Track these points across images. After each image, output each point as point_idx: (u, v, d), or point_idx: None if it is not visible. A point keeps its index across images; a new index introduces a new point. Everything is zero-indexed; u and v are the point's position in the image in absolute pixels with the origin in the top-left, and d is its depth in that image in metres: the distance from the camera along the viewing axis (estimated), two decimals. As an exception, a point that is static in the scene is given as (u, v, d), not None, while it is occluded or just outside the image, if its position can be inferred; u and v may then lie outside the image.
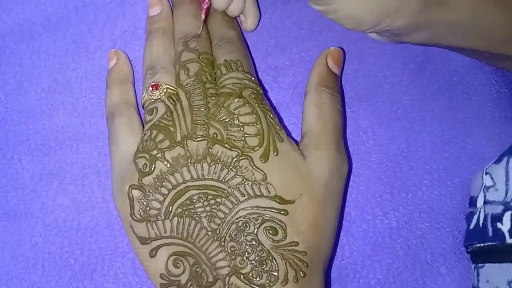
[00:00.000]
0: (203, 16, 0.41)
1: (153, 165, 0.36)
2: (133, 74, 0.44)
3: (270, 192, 0.35)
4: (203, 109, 0.38)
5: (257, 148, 0.36)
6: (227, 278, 0.35)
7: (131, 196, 0.37)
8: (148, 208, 0.36)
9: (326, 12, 0.40)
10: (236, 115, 0.37)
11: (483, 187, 0.40)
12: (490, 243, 0.37)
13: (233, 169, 0.36)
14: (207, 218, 0.35)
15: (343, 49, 0.44)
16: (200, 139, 0.36)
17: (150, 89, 0.40)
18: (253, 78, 0.39)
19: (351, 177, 0.43)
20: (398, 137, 0.44)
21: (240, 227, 0.35)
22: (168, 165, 0.36)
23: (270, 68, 0.45)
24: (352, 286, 0.41)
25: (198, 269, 0.35)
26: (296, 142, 0.39)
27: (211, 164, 0.36)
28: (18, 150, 0.43)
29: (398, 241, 0.42)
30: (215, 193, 0.36)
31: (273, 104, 0.44)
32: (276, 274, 0.34)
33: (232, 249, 0.35)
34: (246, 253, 0.35)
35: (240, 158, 0.36)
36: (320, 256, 0.36)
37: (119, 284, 0.41)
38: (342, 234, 0.42)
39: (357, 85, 0.45)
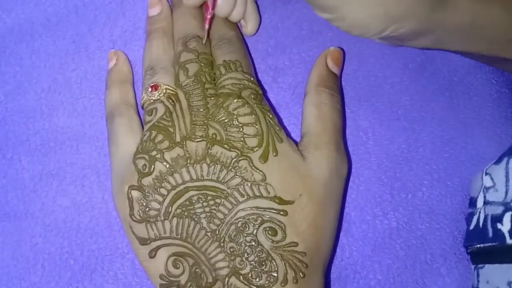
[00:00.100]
0: (207, 26, 0.41)
1: (153, 166, 0.36)
2: (133, 74, 0.44)
3: (269, 193, 0.35)
4: (202, 110, 0.38)
5: (256, 148, 0.36)
6: (227, 279, 0.35)
7: (130, 196, 0.37)
8: (147, 209, 0.36)
9: (332, 20, 0.40)
10: (235, 116, 0.37)
11: (483, 187, 0.40)
12: (490, 243, 0.37)
13: (232, 169, 0.36)
14: (206, 218, 0.35)
15: (343, 49, 0.44)
16: (199, 139, 0.36)
17: (150, 89, 0.39)
18: (252, 79, 0.39)
19: (351, 178, 0.43)
20: (398, 138, 0.44)
21: (239, 228, 0.35)
22: (168, 165, 0.36)
23: (270, 68, 0.45)
24: (352, 286, 0.41)
25: (197, 270, 0.35)
26: (296, 143, 0.39)
27: (211, 164, 0.36)
28: (18, 151, 0.43)
29: (398, 241, 0.42)
30: (214, 193, 0.36)
31: (273, 104, 0.44)
32: (276, 274, 0.34)
33: (231, 250, 0.35)
34: (246, 254, 0.35)
35: (240, 159, 0.36)
36: (319, 256, 0.36)
37: (119, 285, 0.41)
38: (342, 235, 0.42)
39: (357, 85, 0.45)
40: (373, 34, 0.40)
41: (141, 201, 0.36)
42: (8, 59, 0.45)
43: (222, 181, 0.36)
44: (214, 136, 0.37)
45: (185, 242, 0.36)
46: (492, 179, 0.39)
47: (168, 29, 0.43)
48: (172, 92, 0.39)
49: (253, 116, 0.37)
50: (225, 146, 0.36)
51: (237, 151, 0.36)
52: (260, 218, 0.35)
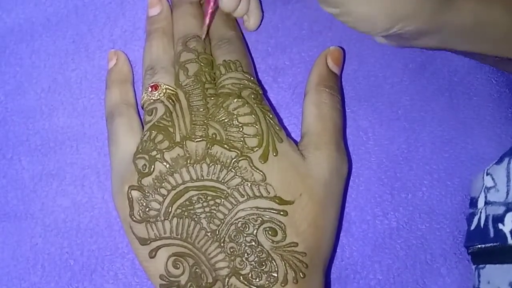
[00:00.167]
0: (207, 21, 0.41)
1: (153, 166, 0.36)
2: (133, 74, 0.44)
3: (269, 193, 0.35)
4: (202, 110, 0.38)
5: (256, 148, 0.36)
6: (227, 279, 0.35)
7: (130, 196, 0.37)
8: (147, 209, 0.36)
9: (339, 15, 0.40)
10: (235, 116, 0.37)
11: (483, 187, 0.39)
12: (492, 244, 0.37)
13: (232, 169, 0.36)
14: (206, 219, 0.35)
15: (343, 49, 0.44)
16: (199, 139, 0.36)
17: (150, 89, 0.39)
18: (252, 78, 0.39)
19: (351, 178, 0.43)
20: (398, 137, 0.44)
21: (239, 228, 0.35)
22: (168, 165, 0.36)
23: (270, 68, 0.45)
24: (352, 286, 0.41)
25: (197, 270, 0.35)
26: (296, 143, 0.39)
27: (210, 164, 0.36)
28: (18, 151, 0.43)
29: (398, 241, 0.42)
30: (214, 193, 0.36)
31: (273, 104, 0.44)
32: (276, 275, 0.34)
33: (231, 250, 0.35)
34: (246, 254, 0.35)
35: (240, 159, 0.36)
36: (320, 256, 0.36)
37: (119, 285, 0.41)
38: (342, 235, 0.42)
39: (357, 85, 0.45)
40: (380, 31, 0.40)
41: (141, 201, 0.36)
42: (8, 59, 0.45)
43: (222, 181, 0.36)
44: (214, 136, 0.37)
45: (185, 242, 0.36)
46: (493, 179, 0.39)
47: (168, 29, 0.43)
48: (172, 92, 0.39)
49: (253, 116, 0.37)
50: (225, 146, 0.36)
51: (237, 151, 0.36)
52: (260, 218, 0.35)
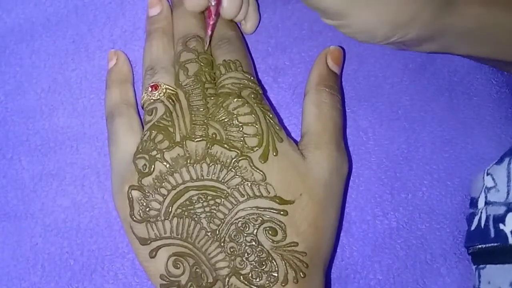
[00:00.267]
0: (209, 32, 0.41)
1: (153, 166, 0.36)
2: (133, 74, 0.44)
3: (269, 193, 0.35)
4: (202, 109, 0.38)
5: (256, 148, 0.36)
6: (227, 279, 0.35)
7: (130, 196, 0.37)
8: (147, 209, 0.36)
9: (339, 26, 0.40)
10: (235, 115, 0.37)
11: (484, 188, 0.39)
12: (492, 244, 0.37)
13: (232, 169, 0.36)
14: (206, 218, 0.35)
15: (343, 49, 0.44)
16: (199, 139, 0.36)
17: (150, 89, 0.39)
18: (252, 78, 0.39)
19: (351, 178, 0.43)
20: (398, 137, 0.44)
21: (239, 228, 0.35)
22: (168, 165, 0.36)
23: (270, 68, 0.45)
24: (352, 286, 0.41)
25: (198, 270, 0.35)
26: (296, 143, 0.39)
27: (211, 164, 0.36)
28: (18, 151, 0.43)
29: (398, 241, 0.42)
30: (214, 193, 0.36)
31: (273, 104, 0.44)
32: (276, 274, 0.34)
33: (231, 250, 0.35)
34: (246, 254, 0.35)
35: (240, 159, 0.36)
36: (320, 256, 0.36)
37: (119, 285, 0.41)
38: (342, 235, 0.42)
39: (357, 85, 0.45)
40: (379, 40, 0.40)
41: (141, 201, 0.36)
42: (8, 59, 0.45)
43: (222, 181, 0.36)
44: (214, 135, 0.37)
45: (185, 242, 0.36)
46: (493, 179, 0.39)
47: (168, 29, 0.43)
48: (172, 92, 0.39)
49: (253, 115, 0.37)
50: (225, 145, 0.36)
51: (237, 150, 0.36)
52: (260, 218, 0.35)
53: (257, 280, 0.34)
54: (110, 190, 0.39)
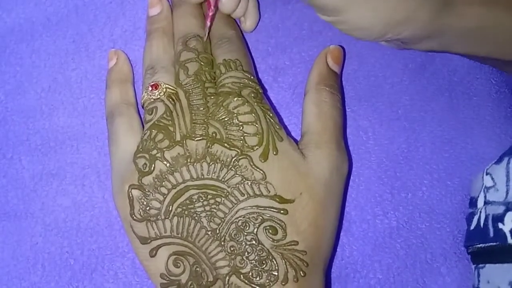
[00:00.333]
0: (208, 23, 0.41)
1: (153, 165, 0.36)
2: (133, 74, 0.44)
3: (269, 192, 0.35)
4: (202, 109, 0.38)
5: (256, 147, 0.36)
6: (227, 278, 0.35)
7: (131, 196, 0.37)
8: (148, 208, 0.36)
9: (335, 23, 0.40)
10: (235, 114, 0.37)
11: (483, 187, 0.39)
12: (491, 243, 0.37)
13: (232, 168, 0.36)
14: (207, 217, 0.35)
15: (343, 48, 0.44)
16: (200, 138, 0.36)
17: (150, 88, 0.40)
18: (252, 77, 0.39)
19: (351, 177, 0.43)
20: (398, 137, 0.44)
21: (239, 227, 0.35)
22: (168, 164, 0.36)
23: (270, 68, 0.45)
24: (352, 286, 0.41)
25: (198, 269, 0.35)
26: (296, 142, 0.39)
27: (211, 163, 0.36)
28: (18, 150, 0.43)
29: (398, 241, 0.42)
30: (214, 192, 0.36)
31: (273, 104, 0.44)
32: (276, 273, 0.34)
33: (232, 249, 0.35)
34: (246, 253, 0.35)
35: (240, 158, 0.36)
36: (320, 255, 0.36)
37: (119, 284, 0.41)
38: (342, 234, 0.42)
39: (357, 85, 0.45)
40: (375, 37, 0.40)
41: (142, 200, 0.36)
42: (8, 59, 0.45)
43: (222, 180, 0.36)
44: (214, 135, 0.37)
45: (185, 241, 0.36)
46: (492, 179, 0.39)
47: (168, 29, 0.43)
48: (172, 91, 0.39)
49: (253, 114, 0.37)
50: (225, 145, 0.36)
51: (237, 149, 0.36)
52: (261, 217, 0.35)
53: (257, 279, 0.34)
54: (110, 190, 0.39)
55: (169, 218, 0.36)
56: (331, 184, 0.38)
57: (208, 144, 0.36)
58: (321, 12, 0.40)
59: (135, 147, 0.38)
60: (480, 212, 0.39)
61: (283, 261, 0.34)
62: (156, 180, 0.36)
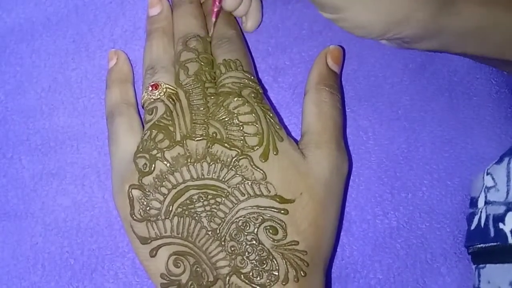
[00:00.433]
0: (213, 20, 0.41)
1: (153, 165, 0.36)
2: (133, 74, 0.44)
3: (270, 192, 0.35)
4: (202, 109, 0.38)
5: (256, 147, 0.36)
6: (228, 278, 0.35)
7: (131, 196, 0.37)
8: (148, 208, 0.36)
9: (336, 20, 0.40)
10: (235, 114, 0.37)
11: (484, 187, 0.39)
12: (492, 243, 0.37)
13: (232, 168, 0.36)
14: (207, 217, 0.35)
15: (343, 48, 0.44)
16: (200, 138, 0.36)
17: (150, 88, 0.40)
18: (252, 77, 0.39)
19: (351, 177, 0.43)
20: (398, 137, 0.44)
21: (240, 227, 0.35)
22: (168, 164, 0.36)
23: (270, 68, 0.45)
24: (353, 286, 0.41)
25: (198, 269, 0.35)
26: (296, 142, 0.39)
27: (211, 163, 0.36)
28: (18, 150, 0.43)
29: (398, 241, 0.42)
30: (215, 192, 0.36)
31: (273, 104, 0.44)
32: (277, 273, 0.34)
33: (232, 249, 0.35)
34: (247, 253, 0.35)
35: (240, 158, 0.36)
36: (320, 255, 0.36)
37: (119, 284, 0.41)
38: (342, 234, 0.42)
39: (357, 85, 0.45)
40: (376, 36, 0.40)
41: (142, 200, 0.36)
42: (8, 59, 0.45)
43: (223, 180, 0.36)
44: (214, 135, 0.37)
45: (186, 241, 0.36)
46: (493, 179, 0.39)
47: (168, 29, 0.43)
48: (173, 91, 0.39)
49: (253, 115, 0.37)
50: (226, 145, 0.36)
51: (237, 150, 0.36)
52: (261, 217, 0.35)
53: (258, 279, 0.34)
54: (111, 190, 0.39)
55: (169, 218, 0.36)
56: (331, 184, 0.38)
57: (209, 144, 0.36)
58: (323, 10, 0.40)
59: (135, 147, 0.38)
60: (481, 212, 0.39)
61: (284, 261, 0.34)
62: (156, 180, 0.36)
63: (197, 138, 0.37)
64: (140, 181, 0.37)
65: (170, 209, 0.36)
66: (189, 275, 0.35)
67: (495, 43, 0.41)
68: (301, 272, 0.34)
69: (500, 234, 0.36)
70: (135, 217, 0.36)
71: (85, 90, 0.44)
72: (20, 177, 0.42)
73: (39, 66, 0.44)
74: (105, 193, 0.42)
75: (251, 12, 0.43)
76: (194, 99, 0.38)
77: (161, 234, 0.36)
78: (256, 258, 0.34)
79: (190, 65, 0.40)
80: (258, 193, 0.35)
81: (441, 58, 0.46)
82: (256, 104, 0.38)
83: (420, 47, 0.42)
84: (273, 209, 0.35)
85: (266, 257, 0.34)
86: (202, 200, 0.36)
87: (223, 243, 0.35)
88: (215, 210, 0.36)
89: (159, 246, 0.36)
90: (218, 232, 0.35)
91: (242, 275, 0.34)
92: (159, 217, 0.36)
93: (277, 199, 0.35)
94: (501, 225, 0.36)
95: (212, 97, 0.38)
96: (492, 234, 0.37)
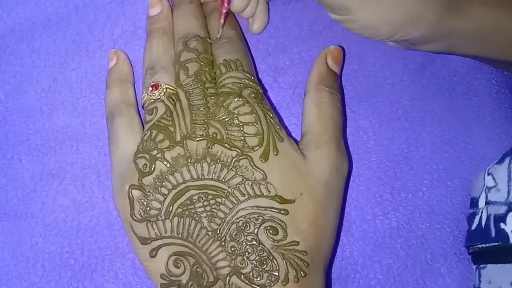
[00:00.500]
0: (222, 21, 0.41)
1: (153, 165, 0.36)
2: (133, 74, 0.44)
3: (270, 192, 0.35)
4: (202, 109, 0.38)
5: (257, 147, 0.36)
6: (228, 278, 0.35)
7: (131, 196, 0.37)
8: (148, 208, 0.36)
9: (343, 21, 0.40)
10: (235, 115, 0.37)
11: (484, 187, 0.39)
12: (493, 243, 0.37)
13: (233, 168, 0.36)
14: (207, 218, 0.35)
15: (343, 48, 0.44)
16: (200, 138, 0.36)
17: (150, 89, 0.40)
18: (252, 78, 0.39)
19: (351, 177, 0.43)
20: (398, 137, 0.44)
21: (240, 227, 0.35)
22: (168, 165, 0.36)
23: (271, 68, 0.45)
24: (353, 286, 0.41)
25: (198, 269, 0.35)
26: (296, 142, 0.39)
27: (211, 164, 0.36)
28: (18, 150, 0.43)
29: (398, 241, 0.42)
30: (215, 193, 0.36)
31: (273, 104, 0.44)
32: (277, 273, 0.34)
33: (232, 249, 0.35)
34: (247, 253, 0.35)
35: (240, 158, 0.36)
36: (320, 255, 0.36)
37: (119, 284, 0.41)
38: (342, 234, 0.42)
39: (357, 85, 0.45)
40: (383, 37, 0.40)
41: (142, 200, 0.36)
42: (8, 59, 0.45)
43: (223, 180, 0.36)
44: (214, 135, 0.37)
45: (186, 242, 0.36)
46: (494, 179, 0.39)
47: (168, 29, 0.43)
48: (173, 92, 0.39)
49: (253, 115, 0.37)
50: (226, 145, 0.36)
51: (237, 150, 0.36)
52: (261, 217, 0.35)
53: (258, 279, 0.34)
54: (111, 190, 0.39)
55: (170, 219, 0.36)
56: (331, 184, 0.38)
57: (209, 145, 0.36)
58: (331, 11, 0.40)
59: (135, 147, 0.38)
60: (482, 212, 0.39)
61: (284, 261, 0.34)
62: (156, 180, 0.36)
63: (197, 139, 0.37)
64: (140, 182, 0.37)
65: (170, 209, 0.36)
66: (189, 275, 0.35)
67: (499, 45, 0.41)
68: (301, 272, 0.34)
69: (501, 234, 0.36)
70: (135, 218, 0.36)
71: (85, 90, 0.44)
72: (20, 177, 0.42)
73: (39, 66, 0.44)
74: (105, 193, 0.42)
75: (257, 14, 0.43)
76: (194, 99, 0.38)
77: (161, 234, 0.36)
78: (256, 258, 0.34)
79: (190, 65, 0.40)
80: (258, 193, 0.35)
81: (441, 58, 0.46)
82: (256, 104, 0.38)
83: (426, 49, 0.42)
84: (273, 210, 0.35)
85: (266, 257, 0.34)
86: (202, 201, 0.36)
87: (223, 243, 0.35)
88: (215, 211, 0.36)
89: (159, 247, 0.36)
90: (218, 232, 0.35)
91: (242, 276, 0.34)
92: (159, 217, 0.36)
93: (277, 200, 0.35)
94: (502, 225, 0.36)
95: (212, 97, 0.38)
96: (493, 234, 0.37)
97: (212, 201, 0.36)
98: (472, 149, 0.45)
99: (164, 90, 0.39)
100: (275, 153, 0.36)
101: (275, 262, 0.34)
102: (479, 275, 0.38)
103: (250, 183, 0.36)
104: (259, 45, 0.45)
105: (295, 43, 0.45)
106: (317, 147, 0.38)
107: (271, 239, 0.35)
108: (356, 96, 0.45)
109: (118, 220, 0.40)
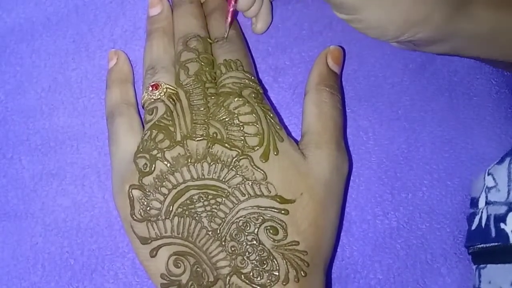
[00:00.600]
0: (229, 19, 0.41)
1: (153, 165, 0.36)
2: (133, 74, 0.44)
3: (270, 192, 0.35)
4: (203, 109, 0.38)
5: (257, 147, 0.36)
6: (228, 278, 0.35)
7: (131, 196, 0.37)
8: (148, 208, 0.36)
9: (350, 21, 0.40)
10: (236, 115, 0.37)
11: (484, 187, 0.39)
12: (493, 243, 0.37)
13: (233, 168, 0.36)
14: (207, 218, 0.35)
15: (343, 48, 0.44)
16: (200, 138, 0.36)
17: (150, 89, 0.40)
18: (253, 78, 0.39)
19: (351, 177, 0.43)
20: (398, 137, 0.44)
21: (240, 227, 0.35)
22: (168, 165, 0.36)
23: (271, 68, 0.45)
24: (353, 286, 0.41)
25: (198, 269, 0.35)
26: (297, 142, 0.39)
27: (211, 163, 0.36)
28: (18, 150, 0.43)
29: (398, 241, 0.42)
30: (215, 192, 0.36)
31: (273, 104, 0.44)
32: (277, 273, 0.34)
33: (232, 249, 0.35)
34: (247, 253, 0.35)
35: (240, 158, 0.36)
36: (320, 255, 0.36)
37: (119, 284, 0.41)
38: (343, 234, 0.42)
39: (357, 85, 0.45)
40: (390, 38, 0.40)
41: (142, 200, 0.36)
42: (8, 59, 0.45)
43: (223, 180, 0.36)
44: (214, 135, 0.37)
45: (186, 241, 0.36)
46: (494, 179, 0.39)
47: (168, 29, 0.43)
48: (173, 91, 0.39)
49: (253, 115, 0.37)
50: (226, 145, 0.36)
51: (237, 150, 0.36)
52: (261, 217, 0.35)
53: (258, 279, 0.34)
54: (111, 190, 0.39)
55: (170, 218, 0.36)
56: (331, 184, 0.38)
57: (209, 144, 0.36)
58: (339, 10, 0.40)
59: (136, 147, 0.38)
60: (482, 212, 0.39)
61: (284, 261, 0.34)
62: (156, 180, 0.36)
63: (197, 138, 0.37)
64: (140, 181, 0.37)
65: (171, 209, 0.36)
66: (189, 275, 0.35)
67: (503, 47, 0.41)
68: (302, 272, 0.34)
69: (501, 234, 0.36)
70: (135, 217, 0.36)
71: (85, 90, 0.44)
72: (20, 177, 0.42)
73: (39, 66, 0.44)
74: (105, 193, 0.42)
75: (261, 14, 0.43)
76: (194, 99, 0.38)
77: (162, 234, 0.36)
78: (257, 258, 0.34)
79: (190, 65, 0.40)
80: (258, 193, 0.35)
81: (441, 58, 0.46)
82: (256, 104, 0.38)
83: (432, 50, 0.42)
84: (273, 209, 0.35)
85: (266, 257, 0.34)
86: (202, 200, 0.36)
87: (223, 243, 0.35)
88: (215, 210, 0.36)
89: (159, 246, 0.36)
90: (218, 232, 0.35)
91: (242, 275, 0.34)
92: (159, 217, 0.36)
93: (278, 199, 0.35)
94: (502, 225, 0.36)
95: (213, 97, 0.38)
96: (493, 234, 0.37)
97: (212, 201, 0.36)
98: (472, 149, 0.45)
99: (164, 90, 0.39)
100: (275, 153, 0.36)
101: (275, 262, 0.34)
102: (479, 275, 0.38)
103: (250, 183, 0.36)
104: (259, 45, 0.45)
105: (295, 43, 0.45)
106: (317, 147, 0.38)
107: (271, 239, 0.35)
108: (356, 96, 0.45)
109: (118, 220, 0.40)
